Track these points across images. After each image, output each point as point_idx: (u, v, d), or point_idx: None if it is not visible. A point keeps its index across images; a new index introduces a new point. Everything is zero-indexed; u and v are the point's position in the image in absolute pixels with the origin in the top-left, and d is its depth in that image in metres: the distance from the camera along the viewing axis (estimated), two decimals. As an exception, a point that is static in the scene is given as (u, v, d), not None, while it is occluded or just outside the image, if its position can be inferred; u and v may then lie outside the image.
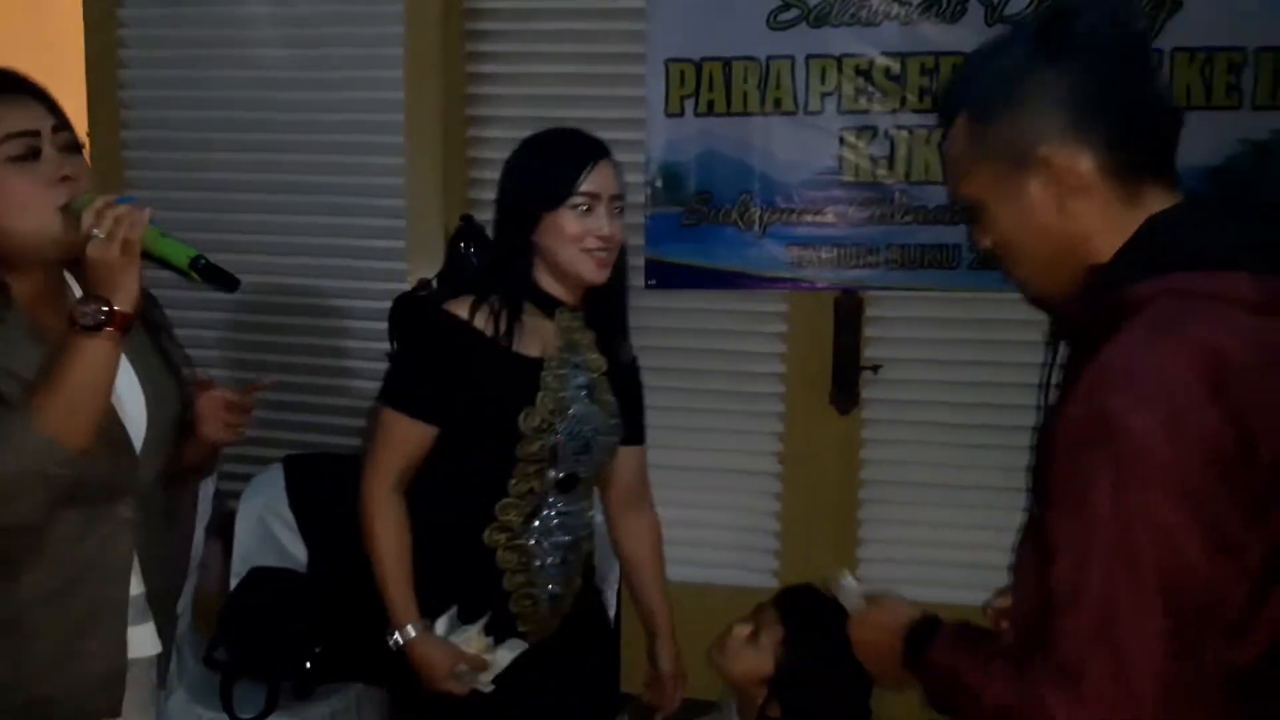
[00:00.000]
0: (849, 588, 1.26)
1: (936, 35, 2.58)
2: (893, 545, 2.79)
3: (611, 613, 2.38)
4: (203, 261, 1.23)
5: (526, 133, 2.72)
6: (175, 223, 2.53)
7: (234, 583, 2.35)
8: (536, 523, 1.58)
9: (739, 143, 2.70)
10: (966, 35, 2.56)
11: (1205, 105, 2.47)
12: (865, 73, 2.62)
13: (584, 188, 1.52)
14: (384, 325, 2.53)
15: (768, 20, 2.63)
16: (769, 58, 2.65)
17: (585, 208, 1.52)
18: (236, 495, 2.54)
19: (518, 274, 1.55)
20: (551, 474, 1.57)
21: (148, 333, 1.40)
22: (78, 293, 1.33)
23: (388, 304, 2.58)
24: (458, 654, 1.51)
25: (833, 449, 2.78)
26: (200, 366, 2.97)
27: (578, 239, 1.52)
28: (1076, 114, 0.95)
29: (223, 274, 1.24)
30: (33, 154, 1.22)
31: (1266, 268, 0.90)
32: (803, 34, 2.62)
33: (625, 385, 1.68)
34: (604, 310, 1.63)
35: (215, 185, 2.90)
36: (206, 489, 2.38)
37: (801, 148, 2.67)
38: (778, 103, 2.66)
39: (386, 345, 2.51)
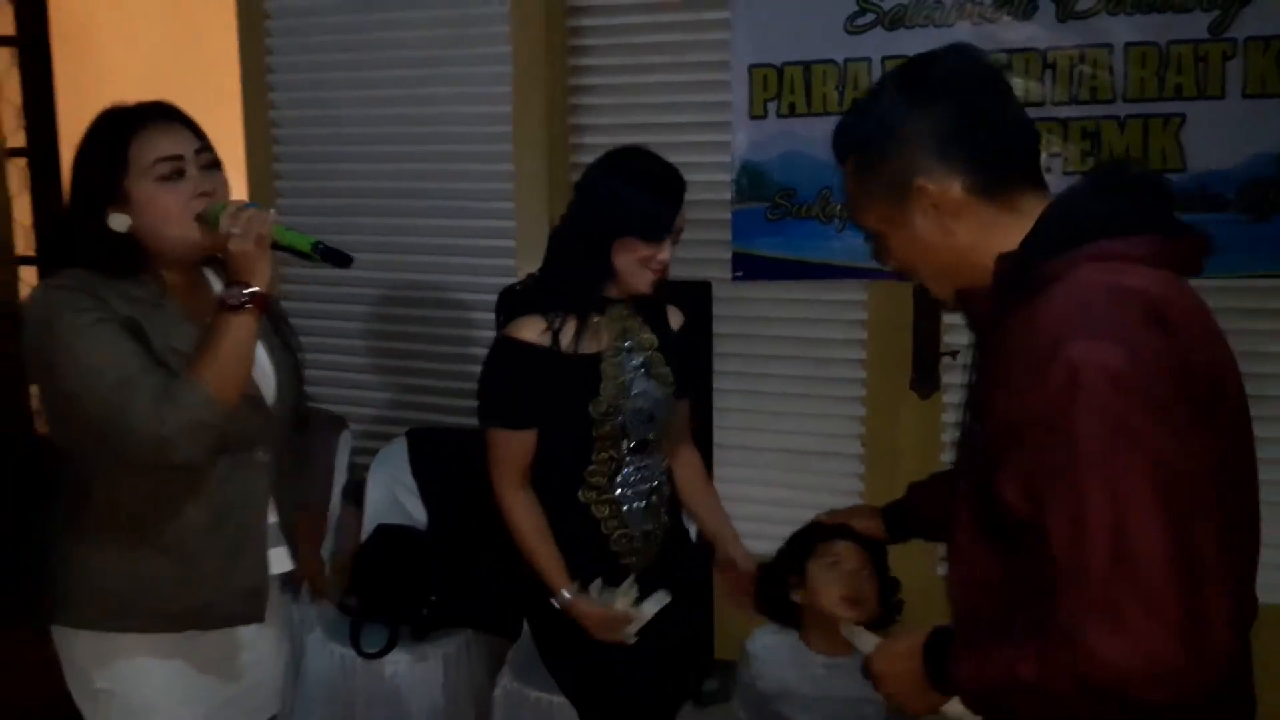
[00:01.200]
0: (859, 632, 1.45)
1: (1009, 33, 2.68)
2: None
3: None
4: (321, 245, 1.50)
5: (624, 138, 2.98)
6: (317, 226, 2.89)
7: (363, 540, 2.67)
8: (619, 478, 1.85)
9: (819, 142, 2.84)
10: (1039, 32, 2.66)
11: (1280, 93, 2.51)
12: (940, 72, 2.74)
13: (676, 225, 1.76)
14: (493, 315, 2.80)
15: (844, 25, 2.79)
16: (846, 60, 2.80)
17: (665, 238, 1.75)
18: (367, 465, 2.87)
19: (595, 291, 1.78)
20: (625, 443, 1.83)
21: (269, 320, 1.68)
22: (214, 285, 1.64)
23: (496, 296, 2.86)
24: (609, 611, 1.80)
25: (913, 433, 2.90)
26: (340, 351, 3.36)
27: (645, 261, 1.74)
28: (941, 147, 1.08)
29: (338, 253, 1.50)
30: (178, 174, 1.49)
31: (1153, 230, 1.05)
32: (878, 37, 2.77)
33: (677, 351, 1.91)
34: (646, 302, 1.86)
35: (350, 192, 3.25)
36: (343, 457, 2.70)
37: (879, 145, 2.81)
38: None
39: (496, 333, 2.79)
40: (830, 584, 1.73)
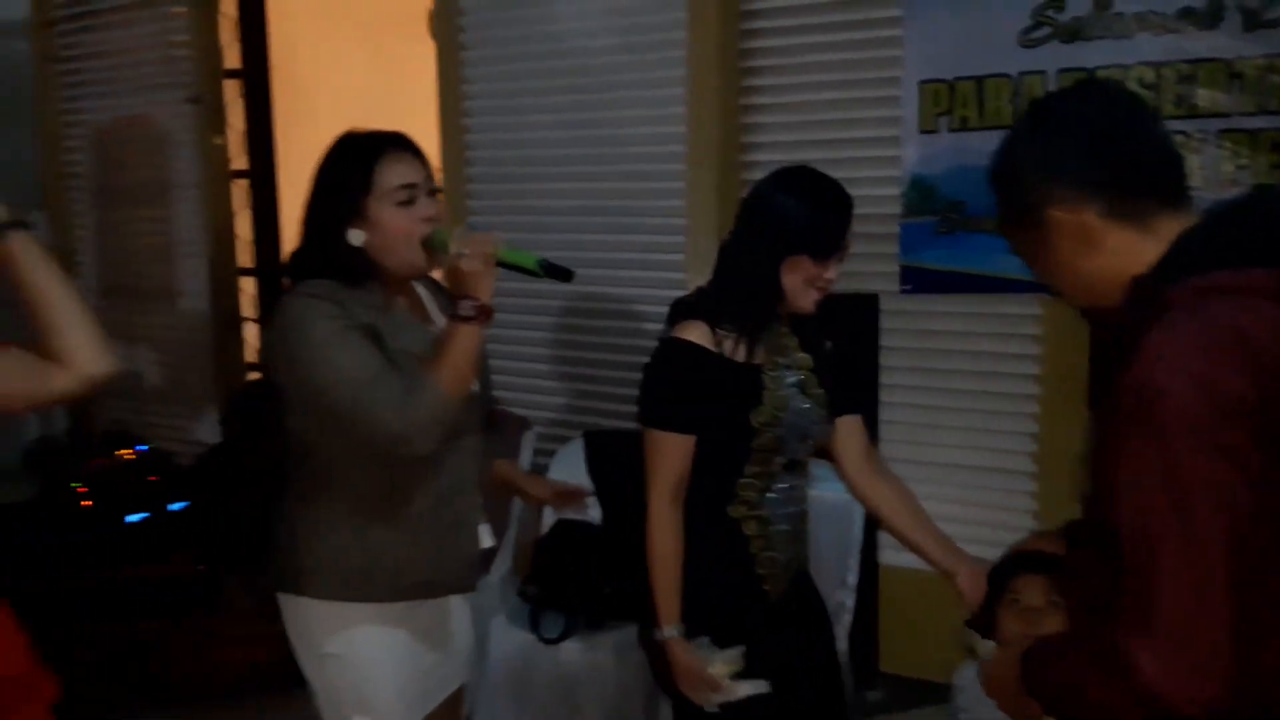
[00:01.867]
0: (977, 640, 1.45)
1: (1193, 44, 2.62)
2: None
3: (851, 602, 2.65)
4: (545, 261, 1.66)
5: (794, 154, 3.07)
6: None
7: (543, 533, 2.84)
8: (770, 495, 1.82)
9: (991, 155, 2.86)
10: (1225, 42, 2.59)
11: None
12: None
13: (843, 245, 1.78)
14: (664, 324, 2.94)
15: (1019, 38, 2.79)
16: (1021, 73, 2.80)
17: (839, 258, 1.77)
18: (547, 464, 3.06)
19: (765, 308, 1.79)
20: (778, 459, 1.82)
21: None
22: (421, 293, 1.83)
23: (667, 307, 3.00)
24: (701, 669, 1.73)
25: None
26: (524, 359, 3.56)
27: (812, 280, 1.76)
28: (1070, 177, 1.12)
29: (560, 269, 1.66)
30: (411, 200, 1.67)
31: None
32: (1054, 50, 2.75)
33: (830, 372, 1.91)
34: (803, 321, 1.87)
35: (536, 210, 3.47)
36: (525, 455, 2.89)
37: (1054, 158, 2.79)
38: (1028, 117, 2.80)
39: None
40: (1009, 621, 1.64)
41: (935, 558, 1.86)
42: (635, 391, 3.26)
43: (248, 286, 4.41)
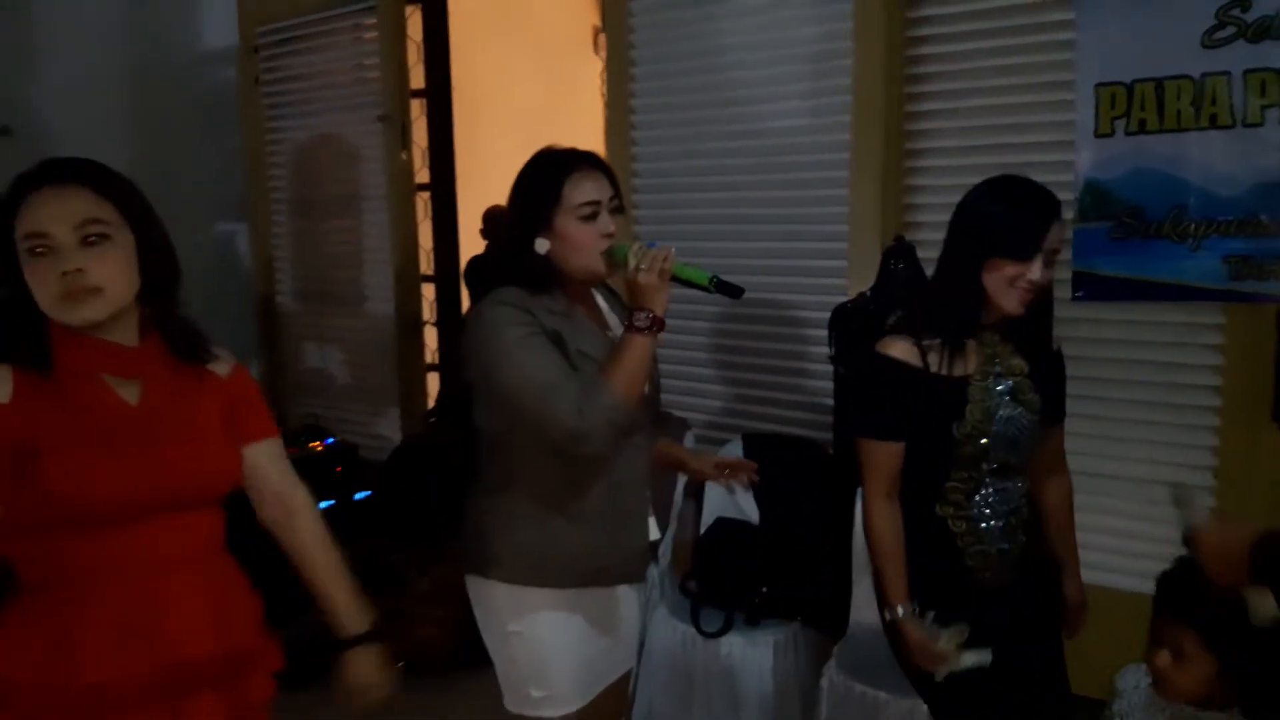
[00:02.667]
0: (1190, 498, 1.49)
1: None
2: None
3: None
4: (716, 278, 1.76)
5: (962, 160, 3.06)
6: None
7: (703, 530, 2.93)
8: (977, 498, 1.89)
9: (1171, 158, 2.77)
10: None
11: None
12: (1311, 82, 2.58)
13: (1049, 243, 1.80)
14: (825, 331, 2.98)
15: (1202, 39, 2.70)
16: (1204, 75, 2.70)
17: (1035, 257, 1.79)
18: (707, 465, 3.14)
19: (968, 315, 1.84)
20: (985, 465, 1.87)
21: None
22: (599, 300, 1.94)
23: (828, 314, 3.04)
24: (930, 643, 1.84)
25: (1272, 466, 2.71)
26: (686, 362, 3.66)
27: (1013, 280, 1.79)
28: None
29: (731, 286, 1.76)
30: (594, 215, 1.80)
31: None
32: (1239, 49, 2.65)
33: (1049, 377, 1.93)
34: (1019, 328, 1.89)
35: (699, 219, 3.56)
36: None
37: (1240, 161, 2.67)
38: (1213, 118, 2.70)
39: (827, 349, 2.96)
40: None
41: (1058, 558, 2.02)
42: (791, 396, 3.37)
43: (428, 292, 4.68)
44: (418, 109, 4.54)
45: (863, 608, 2.58)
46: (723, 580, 2.73)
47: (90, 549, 1.44)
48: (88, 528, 1.44)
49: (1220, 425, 2.80)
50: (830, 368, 2.96)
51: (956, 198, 3.01)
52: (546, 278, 1.82)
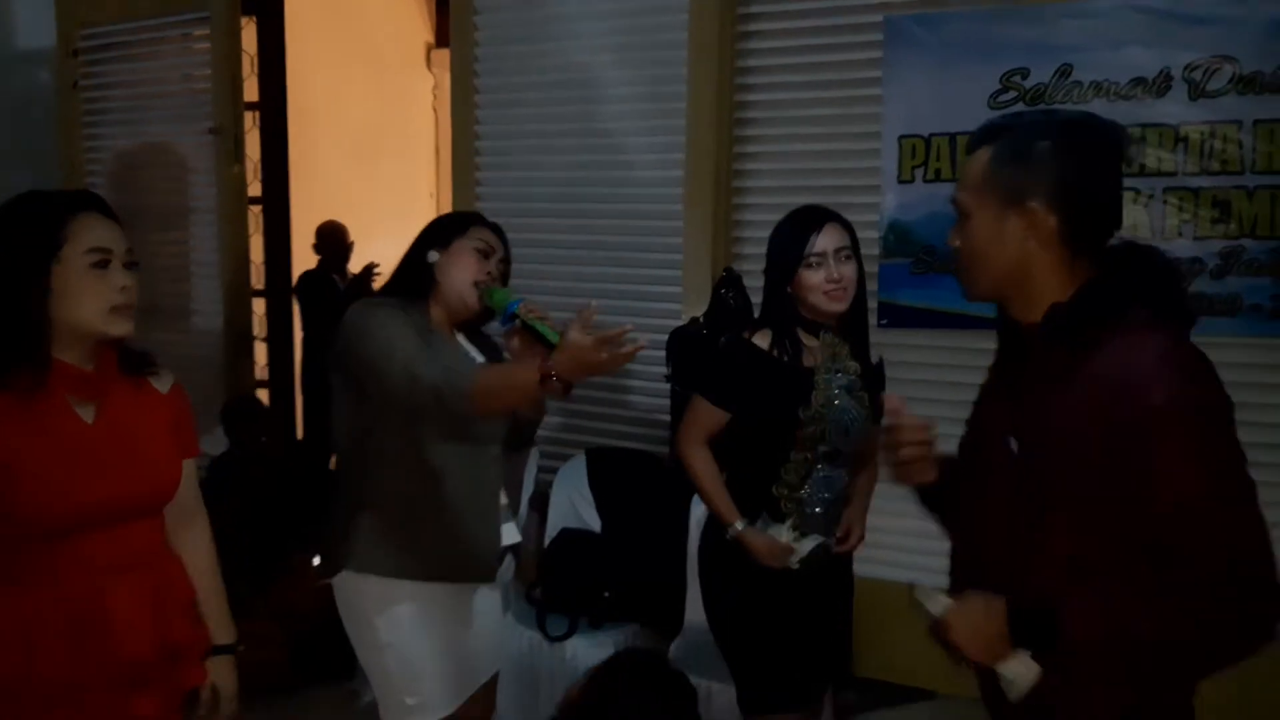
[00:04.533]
0: (930, 594, 1.39)
1: (1144, 110, 2.92)
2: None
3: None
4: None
5: (781, 200, 3.35)
6: (513, 273, 3.35)
7: (547, 541, 3.08)
8: (808, 484, 2.17)
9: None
10: (1172, 109, 2.91)
11: None
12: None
13: (814, 249, 2.11)
14: (662, 353, 3.20)
15: (988, 100, 3.09)
16: (989, 133, 3.10)
17: (818, 262, 2.11)
18: (550, 480, 3.29)
19: (785, 314, 2.16)
20: (821, 448, 2.14)
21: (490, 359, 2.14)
22: (460, 340, 2.09)
23: (665, 336, 3.26)
24: (773, 540, 2.13)
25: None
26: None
27: (816, 285, 2.11)
28: (1063, 188, 1.32)
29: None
30: (488, 254, 2.03)
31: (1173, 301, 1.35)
32: (1019, 111, 3.05)
33: (874, 383, 2.25)
34: (853, 328, 2.21)
35: (541, 243, 3.71)
36: (530, 470, 3.13)
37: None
38: (996, 170, 3.10)
39: (664, 369, 3.18)
40: None
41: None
42: (630, 413, 3.57)
43: (258, 307, 4.62)
44: (250, 121, 4.49)
45: (694, 607, 2.81)
46: (568, 587, 2.89)
47: (48, 555, 1.56)
48: (48, 537, 1.55)
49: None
50: (665, 385, 3.19)
51: (775, 232, 3.40)
52: (422, 291, 2.01)
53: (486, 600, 2.13)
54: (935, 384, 3.24)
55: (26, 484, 1.52)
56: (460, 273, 2.01)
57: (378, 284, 5.11)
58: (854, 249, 2.17)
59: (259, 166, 4.54)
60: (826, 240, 2.12)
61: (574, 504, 3.12)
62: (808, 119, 3.36)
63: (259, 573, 3.58)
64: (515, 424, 2.14)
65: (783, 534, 2.14)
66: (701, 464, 2.20)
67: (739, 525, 2.15)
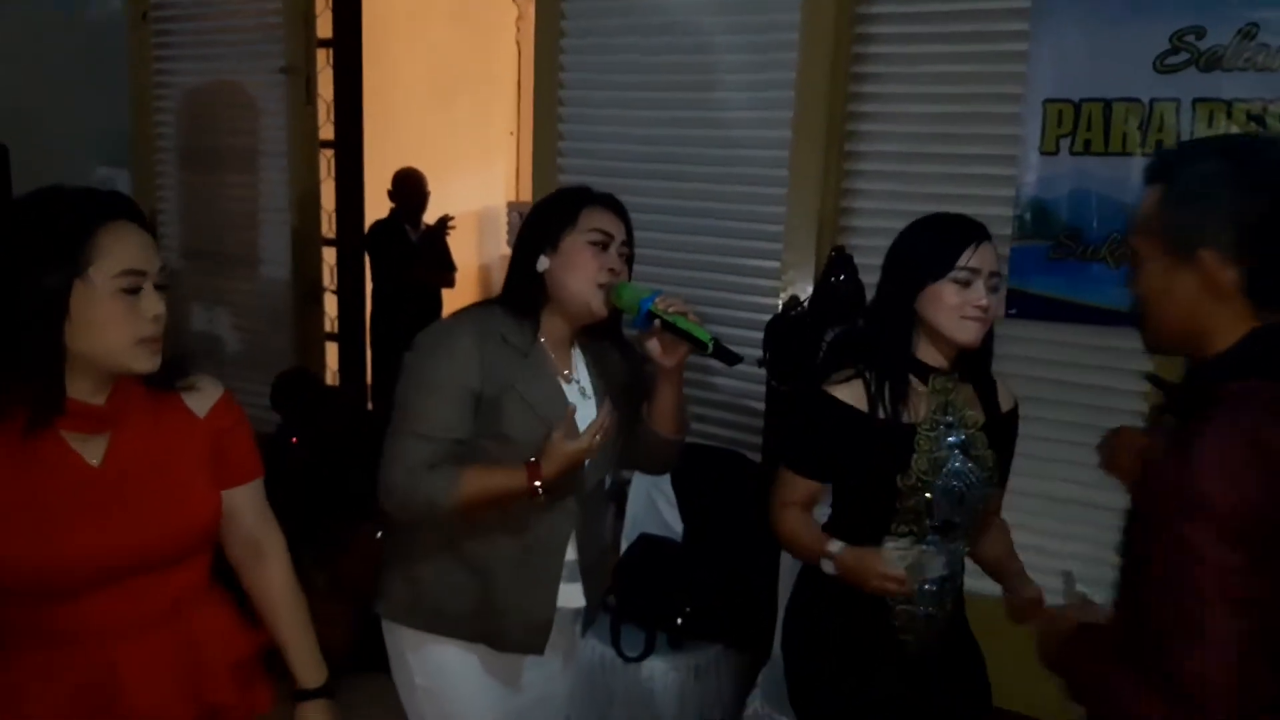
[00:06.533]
0: (1071, 584, 1.52)
1: (1346, 78, 2.48)
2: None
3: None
4: (718, 341, 1.63)
5: (898, 168, 2.97)
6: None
7: (624, 545, 2.81)
8: (915, 555, 1.76)
9: (1114, 182, 2.74)
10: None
11: None
12: (1258, 118, 2.56)
13: (968, 263, 1.70)
14: (754, 333, 2.88)
15: (1154, 63, 2.66)
16: (1153, 100, 2.67)
17: (966, 279, 1.70)
18: (629, 476, 3.01)
19: (898, 344, 1.75)
20: (927, 522, 1.76)
21: (627, 371, 1.83)
22: (578, 355, 1.79)
23: (761, 316, 2.93)
24: (876, 561, 1.71)
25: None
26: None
27: (958, 308, 1.70)
28: (1239, 234, 1.14)
29: (730, 353, 1.62)
30: (604, 245, 1.69)
31: None
32: (1191, 77, 2.62)
33: (1002, 434, 1.84)
34: (978, 370, 1.81)
35: (630, 207, 3.39)
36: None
37: (1182, 189, 2.67)
38: (1159, 145, 2.67)
39: (758, 353, 2.86)
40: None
41: (999, 570, 1.94)
42: (718, 413, 3.25)
43: (329, 257, 4.40)
44: (323, 60, 4.22)
45: (788, 633, 2.52)
46: (644, 599, 2.62)
47: (44, 618, 1.32)
48: (41, 600, 1.31)
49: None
50: (760, 373, 2.87)
51: (892, 204, 3.03)
52: (534, 302, 1.72)
53: (543, 667, 1.85)
54: (1067, 385, 2.88)
55: (8, 539, 1.27)
56: (577, 277, 1.68)
57: (451, 238, 5.01)
58: (999, 282, 1.78)
59: (331, 108, 4.27)
60: (982, 259, 1.72)
61: (654, 502, 2.84)
62: (936, 76, 2.95)
63: (322, 549, 3.40)
64: (650, 446, 1.82)
65: (886, 553, 1.73)
66: (791, 523, 1.82)
67: (833, 547, 1.74)
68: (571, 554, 1.76)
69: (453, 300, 5.25)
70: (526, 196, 7.58)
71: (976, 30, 2.87)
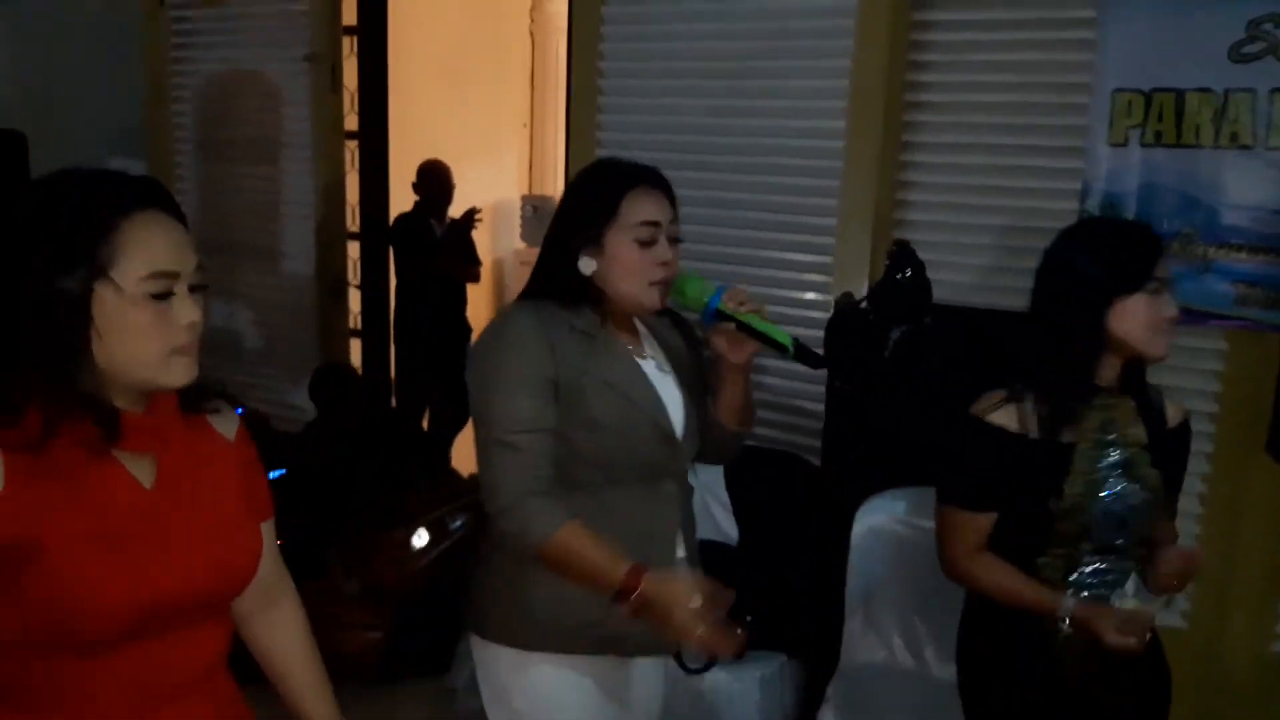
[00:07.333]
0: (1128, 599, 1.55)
1: None
2: (1321, 603, 2.66)
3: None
4: (798, 342, 1.56)
5: (956, 159, 2.87)
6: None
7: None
8: (1074, 576, 1.68)
9: (1185, 176, 2.64)
10: None
11: None
12: (1338, 108, 2.48)
13: (1160, 272, 1.62)
14: (806, 330, 2.78)
15: (1229, 52, 2.56)
16: (1228, 90, 2.57)
17: (1157, 290, 1.62)
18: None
19: (1086, 368, 1.64)
20: (1084, 545, 1.66)
21: (688, 348, 1.74)
22: (641, 330, 1.69)
23: (812, 313, 2.83)
24: (1115, 612, 1.62)
25: (1261, 498, 2.66)
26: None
27: (1153, 322, 1.61)
28: None
29: (812, 353, 1.56)
30: (652, 240, 1.57)
31: None
32: (1268, 66, 2.52)
33: (1170, 451, 1.73)
34: (1139, 381, 1.71)
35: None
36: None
37: (1258, 184, 2.57)
38: (1234, 137, 2.58)
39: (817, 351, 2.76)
40: None
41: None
42: (773, 416, 3.13)
43: (353, 251, 4.29)
44: (348, 47, 4.11)
45: (855, 644, 2.43)
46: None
47: (78, 675, 1.13)
48: (84, 651, 1.12)
49: (1213, 452, 2.72)
50: (812, 372, 2.77)
51: (949, 197, 2.93)
52: (583, 297, 1.61)
53: (647, 670, 1.76)
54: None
55: (58, 576, 1.08)
56: (630, 280, 1.58)
57: (478, 232, 4.89)
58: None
59: (356, 97, 4.15)
60: (1164, 267, 1.63)
61: (707, 506, 2.74)
62: (999, 64, 2.84)
63: (353, 551, 3.30)
64: (714, 436, 1.72)
65: (1125, 601, 1.64)
66: (989, 573, 1.70)
67: (1067, 604, 1.63)
68: (680, 548, 1.68)
69: (475, 295, 5.15)
70: (540, 190, 7.52)
71: (1042, 17, 2.76)
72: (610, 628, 1.61)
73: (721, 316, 1.57)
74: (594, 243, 1.57)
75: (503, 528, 1.55)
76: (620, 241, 1.56)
